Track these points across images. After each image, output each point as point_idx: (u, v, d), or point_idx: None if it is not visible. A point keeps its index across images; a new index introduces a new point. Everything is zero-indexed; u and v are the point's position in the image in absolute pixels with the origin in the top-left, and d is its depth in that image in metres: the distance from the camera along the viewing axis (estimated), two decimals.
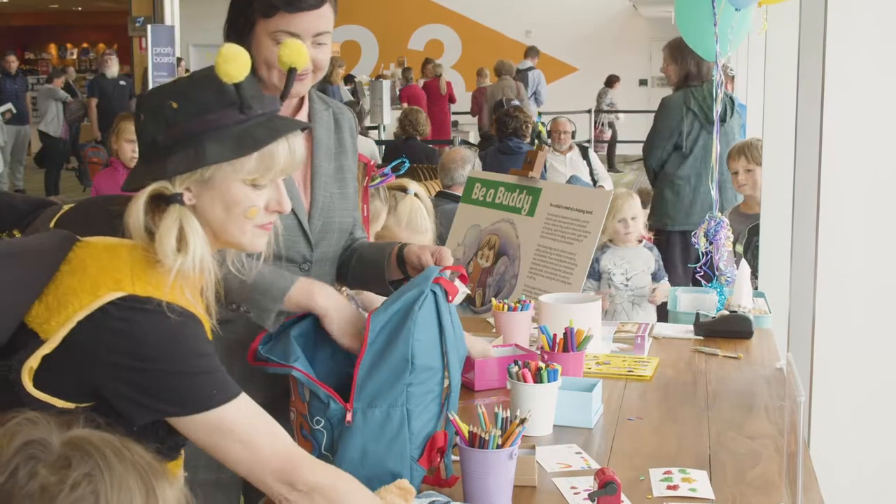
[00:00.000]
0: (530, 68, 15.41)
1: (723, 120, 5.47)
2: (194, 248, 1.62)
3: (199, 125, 1.63)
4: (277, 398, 2.25)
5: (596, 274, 4.49)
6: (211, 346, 1.67)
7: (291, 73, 1.88)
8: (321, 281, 2.34)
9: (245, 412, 1.68)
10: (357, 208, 2.50)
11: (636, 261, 4.47)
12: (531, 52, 16.10)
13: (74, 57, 27.69)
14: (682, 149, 5.60)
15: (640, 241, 4.54)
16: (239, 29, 2.25)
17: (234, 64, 1.62)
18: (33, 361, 1.58)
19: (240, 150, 1.63)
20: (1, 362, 1.61)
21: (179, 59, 14.75)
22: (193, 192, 1.66)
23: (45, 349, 1.58)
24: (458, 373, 2.04)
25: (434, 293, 2.00)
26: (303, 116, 2.36)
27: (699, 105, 5.56)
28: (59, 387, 1.60)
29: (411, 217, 3.12)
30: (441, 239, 3.65)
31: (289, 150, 1.69)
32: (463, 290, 2.08)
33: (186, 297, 1.64)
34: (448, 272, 2.08)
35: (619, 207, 4.45)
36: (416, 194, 3.05)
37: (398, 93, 15.53)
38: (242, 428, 1.66)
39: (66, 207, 1.78)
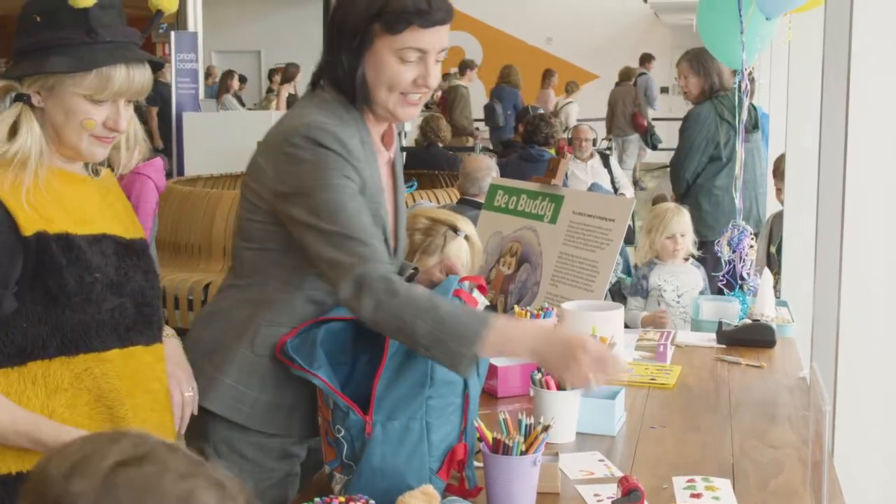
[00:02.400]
0: (642, 74, 15.80)
1: (755, 127, 5.45)
2: (23, 140, 1.84)
3: (51, 39, 1.84)
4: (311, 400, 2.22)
5: (643, 291, 4.28)
6: None
7: (157, 16, 1.98)
8: None
9: None
10: None
11: (686, 278, 4.28)
12: (645, 58, 16.41)
13: None
14: (721, 159, 5.55)
15: (686, 259, 4.36)
16: (354, 49, 2.07)
17: None
18: None
19: (76, 66, 1.84)
20: None
21: (210, 69, 14.82)
22: (42, 96, 1.87)
23: None
24: (477, 384, 2.03)
25: None
26: (390, 135, 2.24)
27: (731, 114, 5.53)
28: None
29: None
30: None
31: (127, 76, 1.88)
32: (482, 302, 2.07)
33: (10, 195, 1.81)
34: (467, 283, 2.08)
35: (669, 223, 4.29)
36: (466, 237, 2.93)
37: (434, 98, 15.57)
38: None
39: None
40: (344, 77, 2.09)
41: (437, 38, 2.06)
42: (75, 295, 1.85)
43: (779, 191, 4.90)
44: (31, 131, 1.85)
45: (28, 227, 1.81)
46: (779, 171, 4.89)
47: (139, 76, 1.90)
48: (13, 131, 1.84)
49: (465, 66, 15.12)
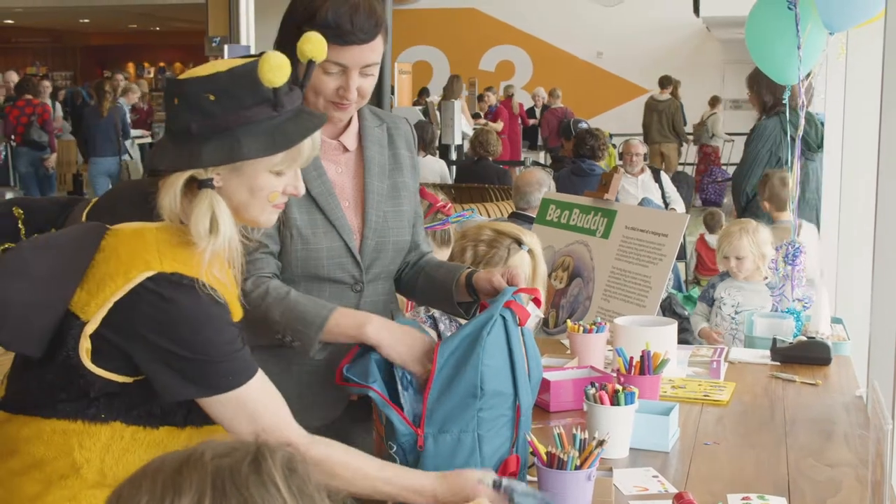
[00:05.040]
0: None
1: (819, 147, 5.37)
2: (225, 230, 1.75)
3: (235, 119, 1.74)
4: (336, 421, 2.27)
5: (710, 299, 4.30)
6: (233, 328, 1.78)
7: (311, 66, 1.92)
8: (377, 299, 2.33)
9: (256, 391, 1.79)
10: (419, 224, 2.47)
11: (753, 296, 4.20)
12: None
13: (151, 76, 28.16)
14: None
15: (765, 278, 4.24)
16: (287, 55, 2.20)
17: (279, 73, 1.75)
18: (85, 342, 1.72)
19: (273, 148, 1.76)
20: (61, 352, 1.74)
21: None
22: (221, 175, 1.77)
23: (89, 329, 1.72)
24: (528, 396, 2.03)
25: (503, 318, 1.99)
26: (351, 135, 2.33)
27: (795, 130, 5.47)
28: (113, 364, 1.74)
29: None
30: None
31: (311, 143, 1.82)
32: (535, 314, 2.06)
33: (214, 274, 1.76)
34: (523, 295, 2.08)
35: (730, 244, 4.22)
36: (529, 251, 2.89)
37: (482, 113, 15.67)
38: (251, 406, 1.78)
39: (94, 200, 1.93)
40: None
41: (357, 56, 2.16)
42: None
43: None
44: (227, 218, 1.76)
45: (236, 313, 1.81)
46: None
47: (317, 138, 1.85)
48: (211, 221, 1.74)
49: (667, 82, 15.38)
